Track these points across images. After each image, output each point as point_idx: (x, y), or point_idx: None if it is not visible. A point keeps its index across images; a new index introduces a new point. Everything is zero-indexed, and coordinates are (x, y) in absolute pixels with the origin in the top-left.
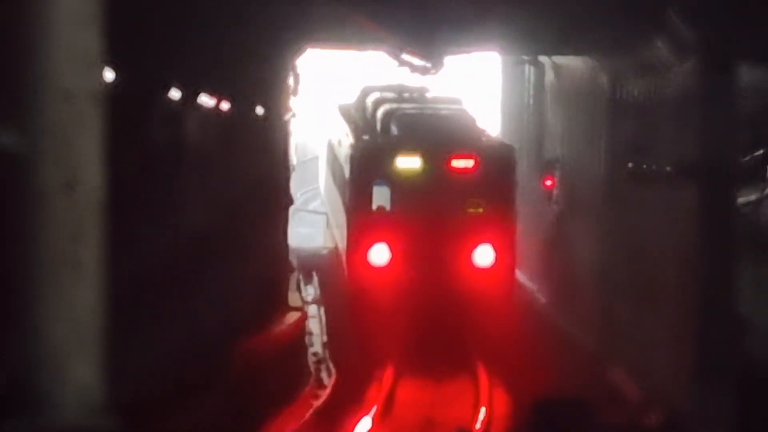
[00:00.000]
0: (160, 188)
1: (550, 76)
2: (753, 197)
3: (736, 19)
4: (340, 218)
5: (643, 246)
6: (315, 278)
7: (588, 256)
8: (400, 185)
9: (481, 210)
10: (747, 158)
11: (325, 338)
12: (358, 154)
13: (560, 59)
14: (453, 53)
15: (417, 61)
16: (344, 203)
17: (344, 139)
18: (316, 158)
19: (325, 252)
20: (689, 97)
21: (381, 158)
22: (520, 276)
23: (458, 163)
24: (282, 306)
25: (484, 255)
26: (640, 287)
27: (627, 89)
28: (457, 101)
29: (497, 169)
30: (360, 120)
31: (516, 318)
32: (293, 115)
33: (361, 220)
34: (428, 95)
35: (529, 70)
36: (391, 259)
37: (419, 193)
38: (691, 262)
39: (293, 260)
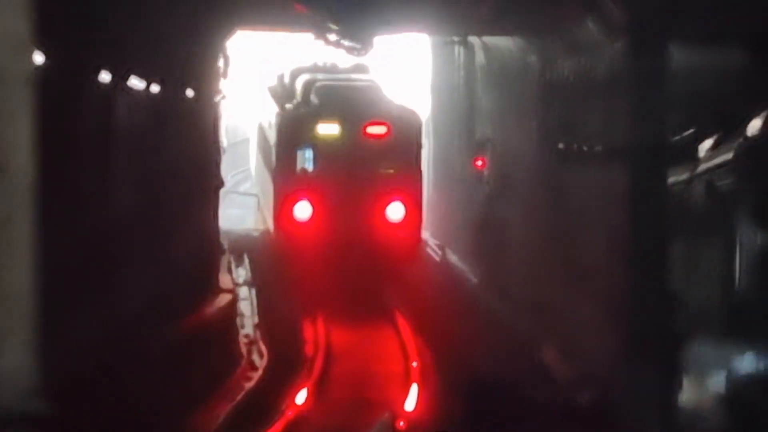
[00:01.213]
0: (90, 171)
1: (480, 56)
2: (684, 177)
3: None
4: (270, 199)
5: (574, 226)
6: (246, 260)
7: (519, 237)
8: (320, 149)
9: (391, 171)
10: (678, 138)
11: (256, 320)
12: (283, 122)
13: (490, 40)
14: (382, 34)
15: (346, 42)
16: (271, 168)
17: (272, 114)
18: (247, 140)
19: (256, 234)
20: (620, 77)
21: (303, 125)
22: (452, 256)
23: (372, 130)
24: (213, 288)
25: (395, 211)
26: (572, 267)
27: (557, 70)
28: (365, 70)
29: (405, 135)
30: (284, 95)
31: (446, 297)
32: (223, 98)
33: (287, 181)
34: (341, 67)
35: (459, 51)
36: (313, 214)
37: (338, 157)
38: (622, 242)
39: (224, 242)
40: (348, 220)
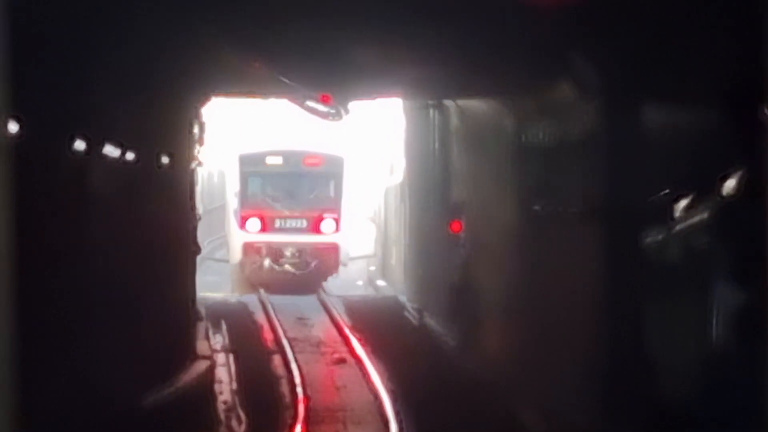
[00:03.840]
0: (64, 239)
1: (455, 119)
2: (660, 237)
3: (641, 59)
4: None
5: (551, 288)
6: (223, 326)
7: (496, 299)
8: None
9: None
10: (653, 198)
11: (234, 386)
12: (241, 158)
13: (465, 102)
14: (357, 99)
15: (321, 108)
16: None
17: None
18: (223, 207)
19: (233, 300)
20: (594, 138)
21: (255, 160)
22: (430, 320)
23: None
24: (190, 355)
25: (329, 223)
26: (548, 329)
27: (532, 131)
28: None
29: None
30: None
31: (424, 361)
32: (199, 164)
33: (242, 203)
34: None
35: (433, 114)
36: (262, 228)
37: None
38: (598, 303)
39: (201, 309)
40: (292, 232)
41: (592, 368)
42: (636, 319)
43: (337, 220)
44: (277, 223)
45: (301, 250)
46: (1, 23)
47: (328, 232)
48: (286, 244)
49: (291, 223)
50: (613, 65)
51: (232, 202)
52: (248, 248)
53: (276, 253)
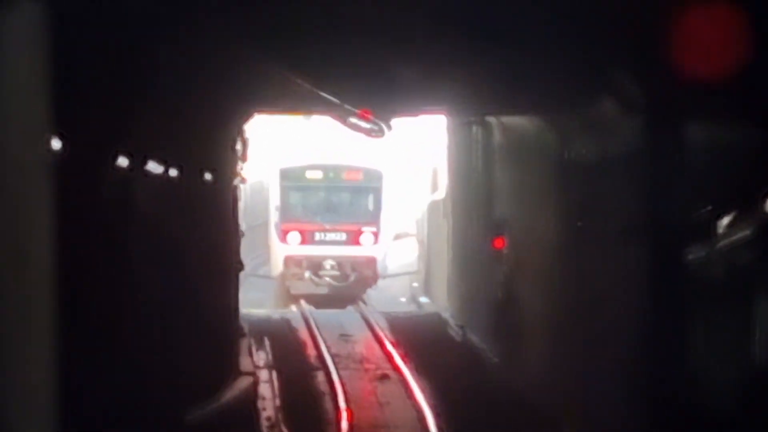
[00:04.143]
0: (109, 256)
1: (498, 136)
2: (702, 254)
3: (682, 75)
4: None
5: (594, 305)
6: (266, 343)
7: (539, 316)
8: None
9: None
10: (696, 214)
11: (277, 402)
12: (281, 172)
13: (508, 119)
14: (400, 115)
15: (364, 125)
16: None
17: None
18: (266, 223)
19: (276, 316)
20: (637, 154)
21: (295, 174)
22: (473, 336)
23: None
24: (233, 371)
25: (367, 236)
26: (592, 346)
27: (575, 148)
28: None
29: (374, 182)
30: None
31: (467, 378)
32: (242, 181)
33: (283, 217)
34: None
35: (476, 131)
36: (302, 241)
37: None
38: (641, 320)
39: (244, 325)
40: (330, 245)
41: (636, 384)
42: (679, 335)
43: (375, 234)
44: (317, 236)
45: (340, 263)
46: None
47: (366, 245)
48: (326, 257)
49: (330, 236)
50: (657, 81)
51: (273, 216)
52: (289, 261)
53: (316, 265)
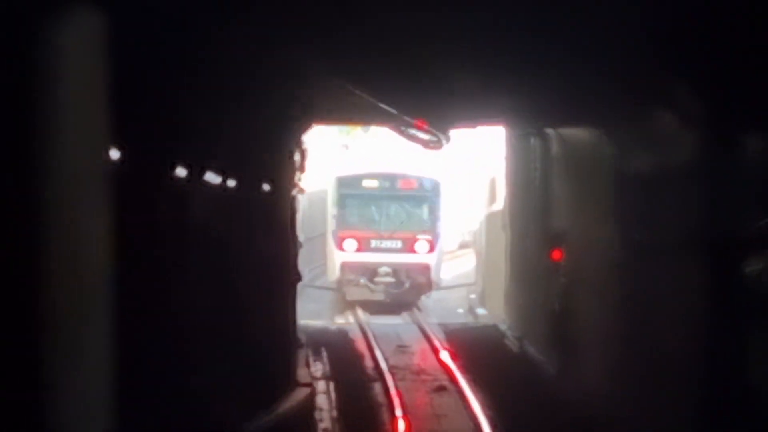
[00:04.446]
0: (167, 266)
1: (556, 147)
2: (761, 266)
3: (742, 88)
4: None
5: (651, 318)
6: (324, 354)
7: (596, 329)
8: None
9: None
10: (756, 227)
11: (335, 413)
12: (339, 180)
13: (566, 131)
14: (458, 127)
15: (422, 136)
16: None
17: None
18: (323, 235)
19: (333, 328)
20: (695, 166)
21: (352, 182)
22: (530, 348)
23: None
24: (291, 382)
25: (422, 244)
26: (649, 360)
27: (633, 160)
28: None
29: (429, 191)
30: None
31: (524, 390)
32: (300, 192)
33: (340, 224)
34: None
35: (534, 142)
36: (358, 248)
37: (378, 204)
38: (699, 332)
39: (302, 336)
40: (386, 252)
41: (693, 397)
42: (738, 347)
43: (430, 242)
44: (373, 244)
45: (395, 270)
46: (105, 52)
47: (421, 253)
48: (381, 264)
49: (386, 244)
50: (715, 93)
51: (331, 223)
52: (345, 267)
53: (371, 271)
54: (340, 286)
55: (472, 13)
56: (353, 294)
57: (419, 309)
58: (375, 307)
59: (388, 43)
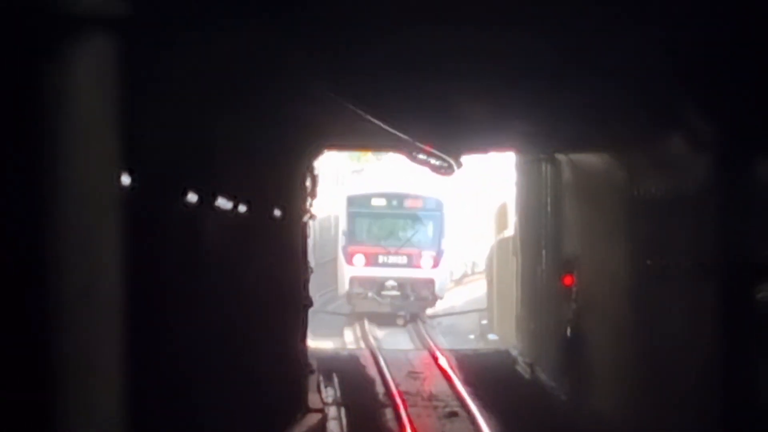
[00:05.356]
0: (176, 291)
1: (567, 173)
2: None
3: (755, 112)
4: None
5: (664, 343)
6: (335, 379)
7: (608, 355)
8: (374, 217)
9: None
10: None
11: None
12: (349, 199)
13: (577, 156)
14: (470, 153)
15: (433, 161)
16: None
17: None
18: (334, 260)
19: (344, 353)
20: (708, 191)
21: (361, 201)
22: (541, 374)
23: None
24: (302, 408)
25: (427, 260)
26: (662, 386)
27: (644, 185)
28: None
29: (434, 210)
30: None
31: (535, 417)
32: (311, 217)
33: (349, 240)
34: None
35: (545, 168)
36: (366, 263)
37: (386, 222)
38: (711, 358)
39: (313, 361)
40: (393, 267)
41: (707, 423)
42: (751, 373)
43: (435, 258)
44: (380, 259)
45: (401, 283)
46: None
47: (426, 268)
48: (388, 278)
49: (393, 259)
50: (727, 117)
51: (341, 239)
52: (354, 281)
53: (379, 285)
54: (349, 299)
55: (484, 41)
56: (362, 306)
57: (423, 321)
58: (381, 317)
59: (400, 70)
